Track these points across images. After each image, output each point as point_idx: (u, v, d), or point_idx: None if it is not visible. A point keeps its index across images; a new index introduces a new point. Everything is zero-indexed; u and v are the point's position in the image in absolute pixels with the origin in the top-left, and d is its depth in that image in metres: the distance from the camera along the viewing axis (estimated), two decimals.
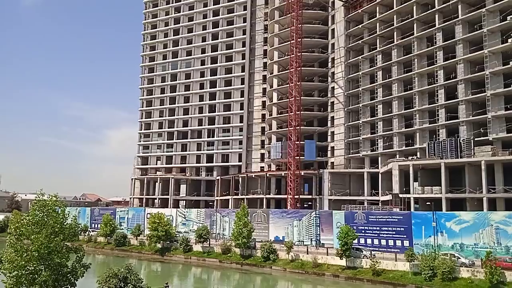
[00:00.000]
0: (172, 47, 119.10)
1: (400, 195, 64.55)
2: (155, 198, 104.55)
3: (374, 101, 79.60)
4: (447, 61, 68.41)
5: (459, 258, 45.15)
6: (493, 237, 47.32)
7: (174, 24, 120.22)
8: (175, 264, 66.84)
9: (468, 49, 66.28)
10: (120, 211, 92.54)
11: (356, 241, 53.04)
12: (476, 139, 62.69)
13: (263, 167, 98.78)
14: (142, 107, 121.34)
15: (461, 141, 63.50)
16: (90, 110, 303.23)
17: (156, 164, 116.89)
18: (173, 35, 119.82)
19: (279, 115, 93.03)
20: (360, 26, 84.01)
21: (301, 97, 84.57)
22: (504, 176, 58.84)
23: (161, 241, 71.90)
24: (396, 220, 55.63)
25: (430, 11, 71.41)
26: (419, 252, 48.00)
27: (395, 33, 77.07)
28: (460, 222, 50.08)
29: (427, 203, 62.93)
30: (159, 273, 61.25)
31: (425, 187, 64.29)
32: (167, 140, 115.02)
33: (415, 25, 73.58)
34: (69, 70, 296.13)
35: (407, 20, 75.03)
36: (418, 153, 70.60)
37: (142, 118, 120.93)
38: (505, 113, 60.33)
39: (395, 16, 77.19)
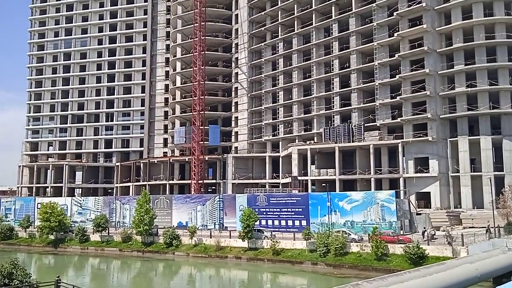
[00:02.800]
0: (66, 23, 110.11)
1: (299, 178, 67.96)
2: (47, 187, 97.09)
3: (276, 87, 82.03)
4: (342, 52, 72.81)
5: (350, 234, 48.91)
6: (379, 214, 52.14)
7: None
8: (70, 255, 62.89)
9: (360, 40, 71.23)
10: (6, 201, 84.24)
11: (258, 223, 54.68)
12: (366, 124, 68.10)
13: (166, 152, 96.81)
14: (31, 88, 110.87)
15: (353, 126, 68.50)
16: None
17: (48, 150, 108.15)
18: (66, 11, 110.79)
19: (183, 99, 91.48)
20: (263, 13, 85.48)
21: (205, 82, 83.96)
22: (389, 159, 65.01)
23: (54, 232, 67.08)
24: (295, 201, 58.48)
25: (328, 2, 75.12)
26: (315, 231, 50.99)
27: (295, 22, 79.80)
28: (351, 201, 54.26)
29: (323, 184, 67.15)
30: (52, 266, 57.19)
31: (321, 169, 68.50)
32: (60, 124, 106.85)
33: (314, 15, 76.91)
34: None
35: (307, 10, 78.10)
36: (315, 138, 74.59)
37: (30, 100, 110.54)
38: (390, 101, 66.18)
39: (295, 6, 79.82)
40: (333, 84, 73.55)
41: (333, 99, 73.38)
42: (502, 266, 30.32)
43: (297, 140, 76.74)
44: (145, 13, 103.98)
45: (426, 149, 61.44)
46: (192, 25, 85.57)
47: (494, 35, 59.92)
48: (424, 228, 49.34)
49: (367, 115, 69.66)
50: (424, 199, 61.26)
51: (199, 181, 77.65)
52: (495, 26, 60.16)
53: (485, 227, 44.16)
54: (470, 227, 51.26)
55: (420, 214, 56.55)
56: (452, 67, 62.33)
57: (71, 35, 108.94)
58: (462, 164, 60.03)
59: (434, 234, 45.20)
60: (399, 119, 63.91)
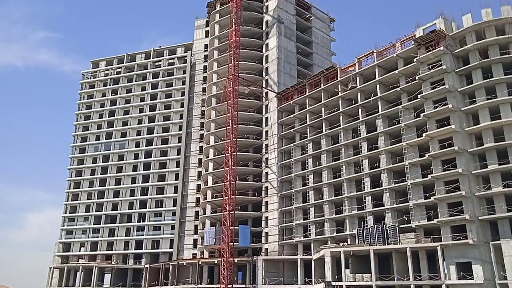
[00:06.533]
0: (107, 128, 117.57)
1: (333, 283, 64.22)
2: None
3: (306, 187, 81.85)
4: (370, 151, 73.13)
5: None
6: None
7: (110, 106, 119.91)
8: None
9: (389, 141, 71.66)
10: None
11: None
12: (400, 226, 65.45)
13: (196, 254, 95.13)
14: (69, 189, 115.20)
15: (387, 228, 65.96)
16: (6, 191, 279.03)
17: (80, 251, 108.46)
18: (108, 116, 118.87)
19: (213, 199, 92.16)
20: (291, 116, 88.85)
21: (236, 182, 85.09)
22: (428, 263, 61.08)
23: None
24: None
25: (354, 105, 77.55)
26: None
27: (323, 123, 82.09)
28: None
29: None
30: None
31: (357, 274, 64.76)
32: (94, 224, 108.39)
33: (341, 117, 79.09)
34: None
35: (334, 113, 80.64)
36: (348, 239, 71.94)
37: (68, 201, 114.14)
38: (424, 202, 64.12)
39: (323, 109, 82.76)
40: (363, 184, 72.77)
41: (364, 199, 72.05)
42: None
43: (329, 242, 74.13)
44: (181, 118, 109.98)
45: (468, 253, 57.69)
46: (225, 128, 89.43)
47: None
48: None
49: (401, 216, 67.36)
50: None
51: (228, 286, 74.71)
52: None
53: None
54: None
55: None
56: (486, 166, 60.98)
57: (111, 139, 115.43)
58: (509, 269, 55.51)
59: None
60: (435, 221, 61.27)
